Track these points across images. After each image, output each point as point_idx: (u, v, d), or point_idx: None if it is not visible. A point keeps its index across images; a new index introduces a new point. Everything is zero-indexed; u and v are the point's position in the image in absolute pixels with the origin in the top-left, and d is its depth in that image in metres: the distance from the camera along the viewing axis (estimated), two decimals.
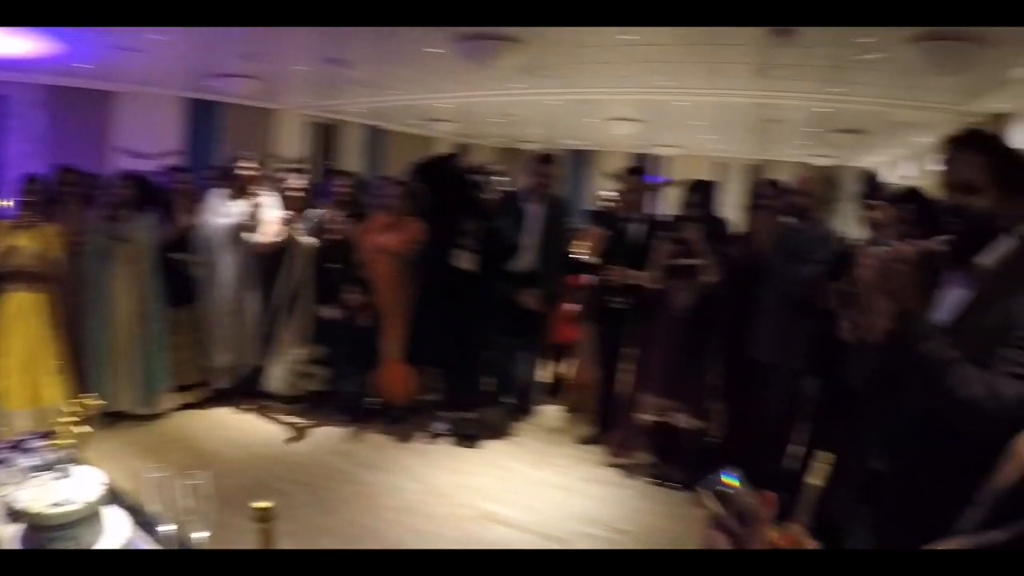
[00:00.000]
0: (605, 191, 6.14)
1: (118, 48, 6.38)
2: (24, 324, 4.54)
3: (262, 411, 5.54)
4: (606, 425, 5.27)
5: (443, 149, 12.50)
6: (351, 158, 11.38)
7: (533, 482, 4.72)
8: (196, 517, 1.67)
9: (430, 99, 9.31)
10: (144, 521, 1.87)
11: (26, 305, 4.57)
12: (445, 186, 5.09)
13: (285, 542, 1.61)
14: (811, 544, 0.87)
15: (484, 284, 5.05)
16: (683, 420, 4.64)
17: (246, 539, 1.55)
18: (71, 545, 1.69)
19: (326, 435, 5.26)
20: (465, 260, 4.98)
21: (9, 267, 4.51)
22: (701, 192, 4.78)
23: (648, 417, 4.76)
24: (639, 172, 5.49)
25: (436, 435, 5.28)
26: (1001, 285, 1.82)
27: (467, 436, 5.23)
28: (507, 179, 5.37)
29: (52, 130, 8.12)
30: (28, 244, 4.54)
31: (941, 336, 1.78)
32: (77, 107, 8.36)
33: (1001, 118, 6.50)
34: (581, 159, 14.08)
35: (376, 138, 12.12)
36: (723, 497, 0.84)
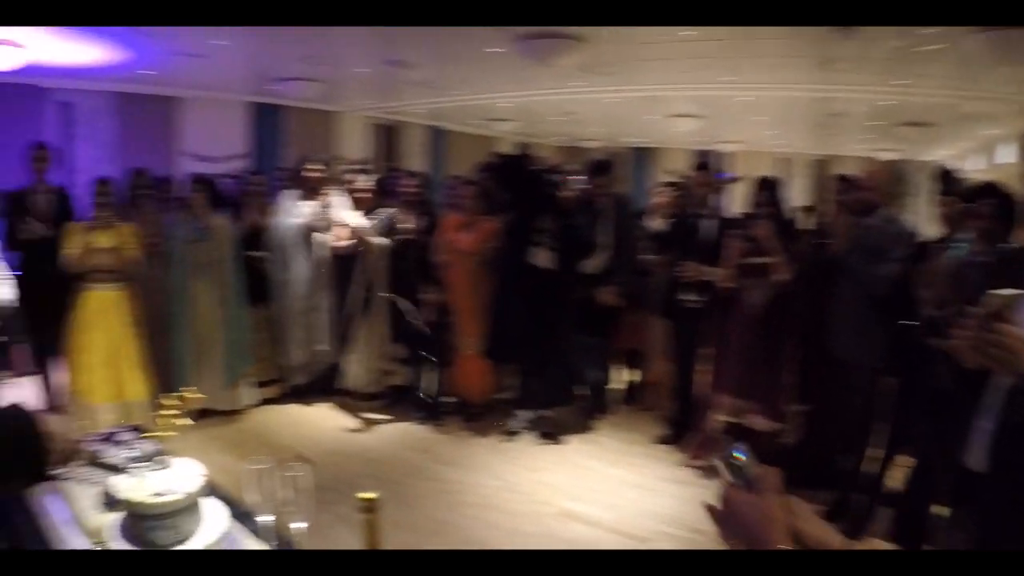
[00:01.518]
0: (657, 188, 6.09)
1: (182, 54, 6.46)
2: (105, 321, 4.66)
3: (341, 407, 5.67)
4: (682, 425, 5.21)
5: (503, 148, 12.49)
6: (413, 159, 11.46)
7: (611, 480, 4.68)
8: (295, 508, 1.69)
9: (490, 99, 9.31)
10: (240, 513, 1.89)
11: (107, 302, 4.68)
12: (521, 185, 5.09)
13: None
14: (806, 511, 0.84)
15: (562, 282, 5.06)
16: (759, 422, 4.54)
17: (336, 533, 1.54)
18: (171, 534, 1.71)
19: (404, 431, 5.33)
20: (543, 258, 4.99)
21: (89, 266, 4.62)
22: (769, 189, 4.67)
23: (724, 418, 4.68)
24: (708, 168, 5.41)
25: (513, 433, 5.28)
26: None
27: (545, 434, 5.24)
28: (581, 178, 5.35)
29: (121, 135, 8.30)
30: (106, 243, 4.66)
31: None
32: (144, 112, 8.53)
33: None
34: (643, 156, 13.98)
35: (437, 138, 12.20)
36: (733, 468, 0.83)
